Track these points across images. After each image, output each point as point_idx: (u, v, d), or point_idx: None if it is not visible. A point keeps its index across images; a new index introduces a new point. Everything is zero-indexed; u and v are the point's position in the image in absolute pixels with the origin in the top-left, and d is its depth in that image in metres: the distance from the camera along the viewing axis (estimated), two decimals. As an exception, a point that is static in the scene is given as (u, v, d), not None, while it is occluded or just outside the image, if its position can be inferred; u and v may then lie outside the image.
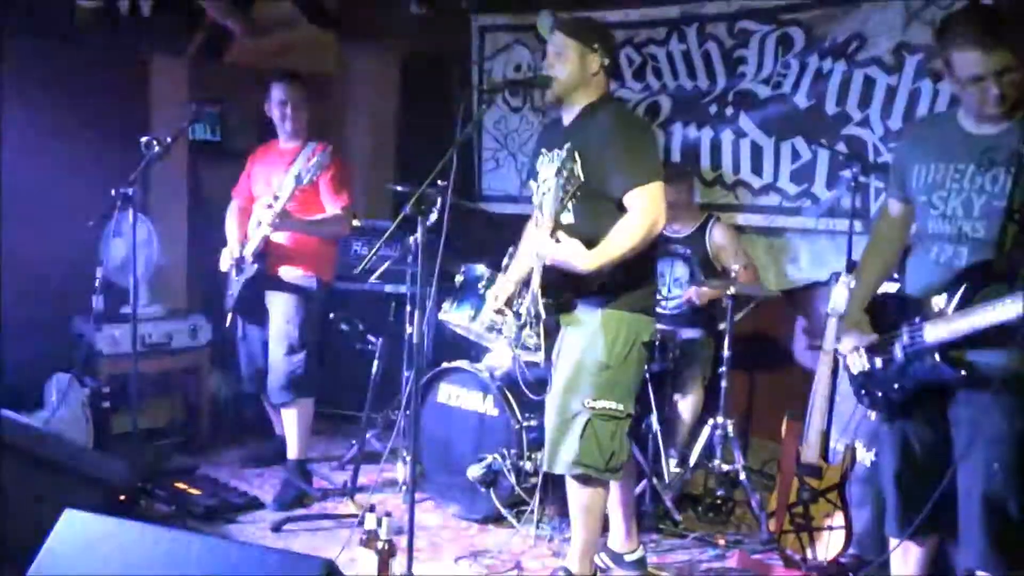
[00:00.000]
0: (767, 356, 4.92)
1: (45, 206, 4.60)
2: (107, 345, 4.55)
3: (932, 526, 2.71)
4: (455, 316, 4.11)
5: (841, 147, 4.47)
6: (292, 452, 4.26)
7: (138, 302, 3.99)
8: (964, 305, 2.49)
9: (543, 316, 3.11)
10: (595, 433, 3.09)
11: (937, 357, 2.54)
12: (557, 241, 2.98)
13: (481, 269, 4.10)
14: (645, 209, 2.97)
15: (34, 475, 3.20)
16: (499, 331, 3.99)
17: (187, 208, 5.37)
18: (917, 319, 2.60)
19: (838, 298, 3.57)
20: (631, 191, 2.99)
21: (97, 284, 4.16)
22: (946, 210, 2.60)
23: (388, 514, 3.11)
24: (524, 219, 3.64)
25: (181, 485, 4.18)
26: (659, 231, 3.03)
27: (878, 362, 2.71)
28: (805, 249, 4.78)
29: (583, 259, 2.96)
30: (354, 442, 4.48)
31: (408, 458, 4.15)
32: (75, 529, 2.18)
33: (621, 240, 2.97)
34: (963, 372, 2.51)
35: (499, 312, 3.38)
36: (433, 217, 2.96)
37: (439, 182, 3.04)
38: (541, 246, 3.02)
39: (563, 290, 3.11)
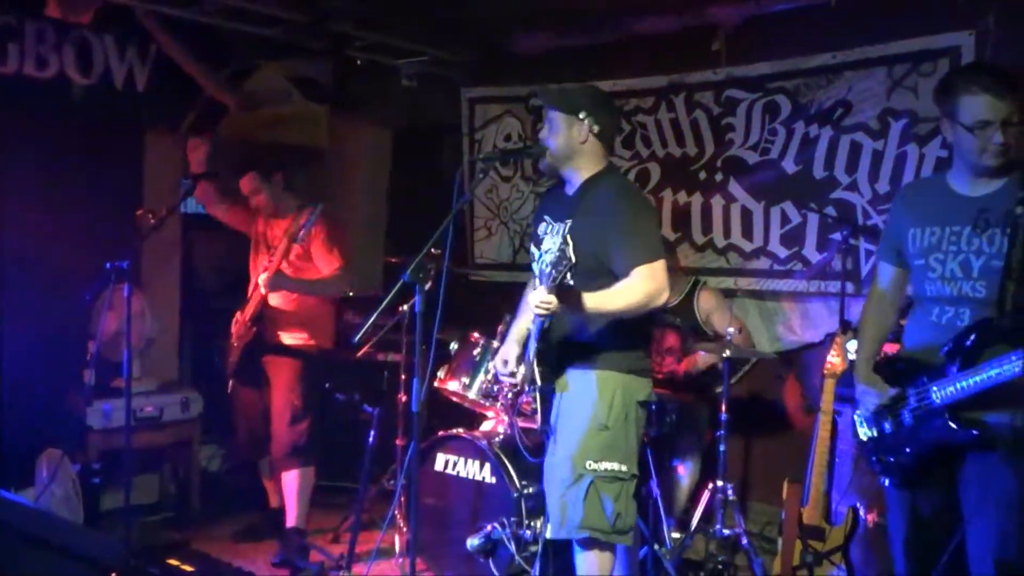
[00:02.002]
0: (762, 420, 4.90)
1: (38, 279, 4.61)
2: (98, 420, 4.51)
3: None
4: (451, 385, 4.10)
5: (830, 211, 4.51)
6: (291, 520, 4.21)
7: (131, 376, 3.96)
8: (970, 364, 2.50)
9: (539, 383, 3.11)
10: (599, 495, 3.06)
11: (947, 418, 2.53)
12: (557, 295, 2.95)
13: (475, 337, 4.11)
14: (647, 280, 2.99)
15: (25, 553, 3.13)
16: (495, 398, 4.00)
17: (180, 280, 5.37)
18: (923, 380, 2.60)
19: (833, 359, 3.59)
20: (633, 270, 3.00)
21: (89, 358, 4.14)
22: (944, 272, 2.63)
23: (387, 588, 3.06)
24: (516, 286, 3.65)
25: (173, 561, 4.08)
26: (659, 304, 3.02)
27: (887, 427, 2.70)
28: (797, 312, 4.80)
29: (584, 297, 2.96)
30: (350, 513, 4.42)
31: (406, 528, 4.11)
32: (68, 608, 2.13)
33: (621, 294, 2.98)
34: (975, 432, 2.50)
35: (511, 375, 3.35)
36: (428, 285, 2.97)
37: (434, 251, 3.05)
38: (540, 301, 2.96)
39: (557, 355, 3.11)
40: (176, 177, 5.17)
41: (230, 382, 4.28)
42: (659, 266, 3.02)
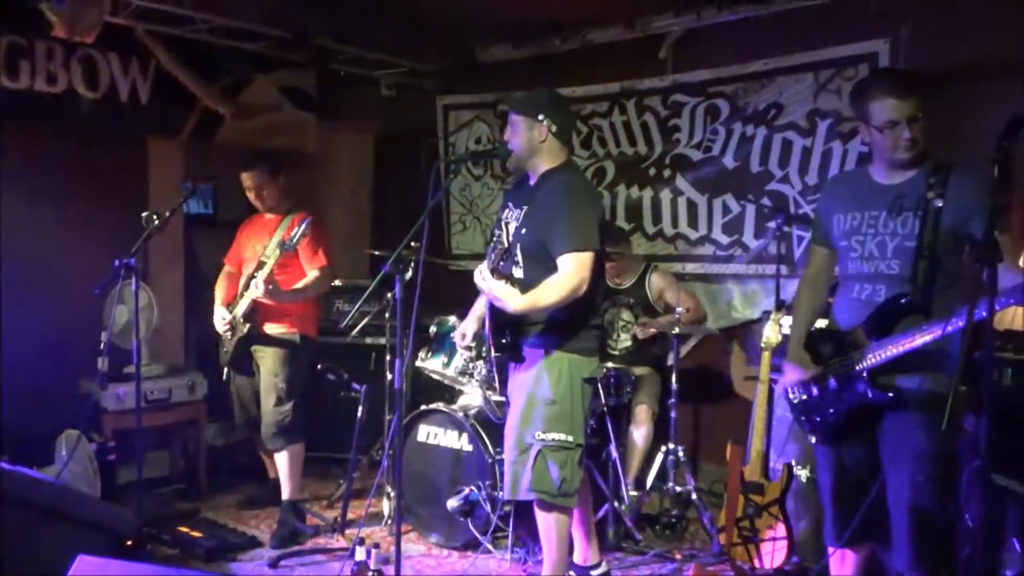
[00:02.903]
0: (710, 389, 4.95)
1: (53, 277, 4.57)
2: (112, 403, 4.47)
3: (865, 535, 2.73)
4: (431, 364, 4.11)
5: (766, 201, 4.55)
6: (286, 493, 4.19)
7: (141, 362, 3.93)
8: (885, 335, 2.53)
9: (494, 354, 3.14)
10: (546, 462, 3.09)
11: (867, 383, 2.57)
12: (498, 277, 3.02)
13: (452, 321, 4.11)
14: (571, 273, 2.99)
15: (48, 525, 3.12)
16: (470, 375, 4.02)
17: (183, 275, 5.33)
18: (846, 350, 2.64)
19: (769, 334, 3.63)
20: (563, 255, 3.01)
21: (102, 347, 4.11)
22: (864, 252, 2.66)
23: (376, 546, 3.07)
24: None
25: (184, 529, 4.09)
26: (581, 294, 3.00)
27: (815, 391, 2.73)
28: (738, 292, 4.85)
29: (513, 300, 3.00)
30: (342, 481, 4.42)
31: (393, 494, 4.12)
32: (87, 573, 2.13)
33: (546, 293, 3.00)
34: (890, 395, 2.54)
35: (467, 348, 3.38)
36: (408, 275, 2.98)
37: (413, 244, 3.06)
38: (480, 276, 3.04)
39: (510, 332, 3.14)
40: (178, 181, 5.11)
41: (224, 371, 4.26)
42: (585, 257, 3.01)
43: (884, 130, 2.55)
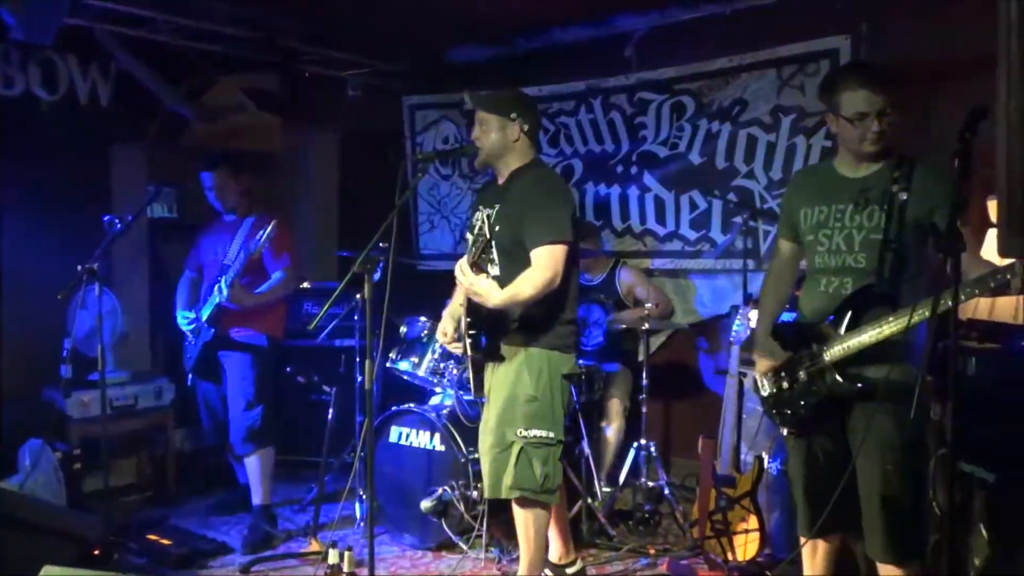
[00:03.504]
0: (681, 384, 4.98)
1: (14, 282, 4.47)
2: (76, 410, 4.38)
3: (836, 525, 2.75)
4: (402, 364, 4.09)
5: (732, 197, 4.58)
6: (257, 498, 4.14)
7: (105, 368, 3.86)
8: (853, 327, 2.56)
9: (469, 353, 3.12)
10: (529, 459, 3.09)
11: (836, 374, 2.59)
12: (476, 273, 3.02)
13: (422, 321, 4.09)
14: (545, 266, 3.00)
15: (13, 535, 3.05)
16: (442, 375, 4.00)
17: (148, 280, 5.24)
18: (815, 343, 2.66)
19: (738, 328, 3.66)
20: (537, 248, 3.02)
21: (65, 354, 4.03)
22: (831, 246, 2.68)
23: (349, 548, 3.05)
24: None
25: (152, 536, 4.02)
26: (556, 286, 3.02)
27: (785, 384, 2.75)
28: (706, 287, 4.88)
29: (494, 294, 2.99)
30: (314, 485, 4.38)
31: (365, 496, 4.09)
32: (55, 583, 2.08)
33: (522, 287, 3.00)
34: (859, 385, 2.56)
35: (454, 342, 3.37)
36: (377, 276, 2.95)
37: (382, 244, 3.03)
38: (460, 271, 3.04)
39: (487, 331, 3.13)
40: (142, 185, 5.03)
41: (189, 376, 4.20)
42: (558, 249, 3.02)
43: (853, 121, 2.57)
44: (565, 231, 3.06)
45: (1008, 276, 2.19)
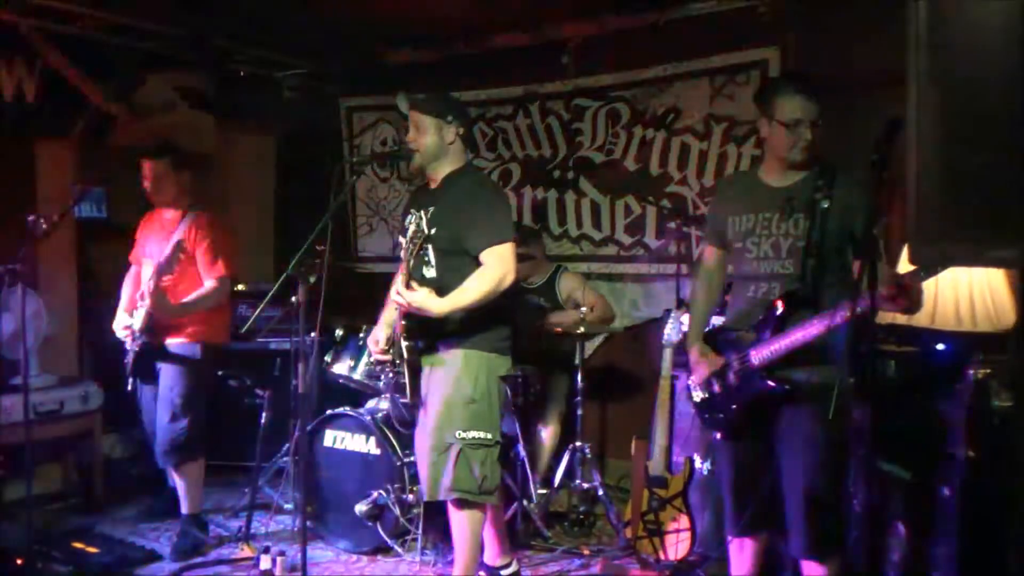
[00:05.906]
0: (616, 386, 5.03)
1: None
2: (-2, 416, 4.22)
3: (762, 523, 2.81)
4: (337, 368, 4.04)
5: (665, 203, 4.66)
6: (185, 507, 4.03)
7: (29, 372, 3.73)
8: (779, 331, 2.62)
9: (405, 357, 3.11)
10: (467, 461, 3.09)
11: (763, 377, 2.65)
12: (410, 288, 3.01)
13: (358, 324, 4.06)
14: (495, 265, 3.02)
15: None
16: (378, 378, 3.97)
17: (76, 281, 5.08)
18: (743, 348, 2.71)
19: (671, 331, 3.72)
20: (485, 250, 3.03)
21: (-14, 358, 3.89)
22: (759, 253, 2.74)
23: (282, 554, 3.00)
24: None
25: (78, 544, 3.90)
26: (508, 285, 3.05)
27: (716, 389, 2.80)
28: (641, 291, 4.95)
29: (435, 304, 3.00)
30: (246, 490, 4.30)
31: (298, 500, 4.03)
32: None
33: (472, 290, 3.01)
34: (786, 387, 2.62)
35: (384, 352, 3.34)
36: (313, 278, 2.93)
37: (318, 246, 3.00)
38: (396, 293, 3.04)
39: (423, 334, 3.12)
40: (68, 183, 4.88)
41: (130, 380, 4.07)
42: (508, 248, 3.05)
43: (789, 126, 2.63)
44: (508, 231, 3.10)
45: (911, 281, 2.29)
